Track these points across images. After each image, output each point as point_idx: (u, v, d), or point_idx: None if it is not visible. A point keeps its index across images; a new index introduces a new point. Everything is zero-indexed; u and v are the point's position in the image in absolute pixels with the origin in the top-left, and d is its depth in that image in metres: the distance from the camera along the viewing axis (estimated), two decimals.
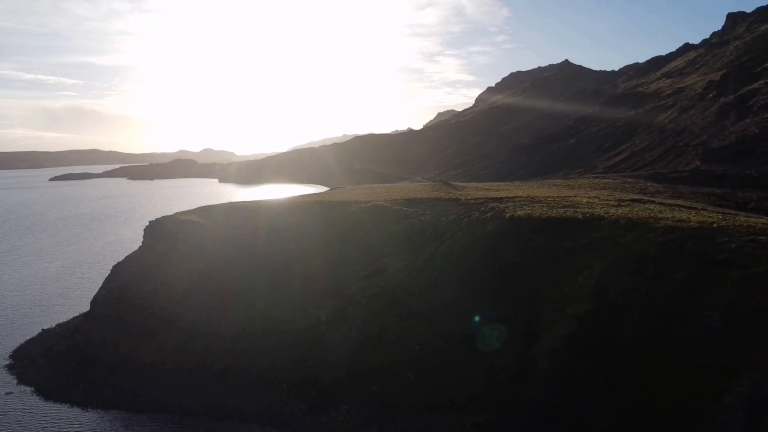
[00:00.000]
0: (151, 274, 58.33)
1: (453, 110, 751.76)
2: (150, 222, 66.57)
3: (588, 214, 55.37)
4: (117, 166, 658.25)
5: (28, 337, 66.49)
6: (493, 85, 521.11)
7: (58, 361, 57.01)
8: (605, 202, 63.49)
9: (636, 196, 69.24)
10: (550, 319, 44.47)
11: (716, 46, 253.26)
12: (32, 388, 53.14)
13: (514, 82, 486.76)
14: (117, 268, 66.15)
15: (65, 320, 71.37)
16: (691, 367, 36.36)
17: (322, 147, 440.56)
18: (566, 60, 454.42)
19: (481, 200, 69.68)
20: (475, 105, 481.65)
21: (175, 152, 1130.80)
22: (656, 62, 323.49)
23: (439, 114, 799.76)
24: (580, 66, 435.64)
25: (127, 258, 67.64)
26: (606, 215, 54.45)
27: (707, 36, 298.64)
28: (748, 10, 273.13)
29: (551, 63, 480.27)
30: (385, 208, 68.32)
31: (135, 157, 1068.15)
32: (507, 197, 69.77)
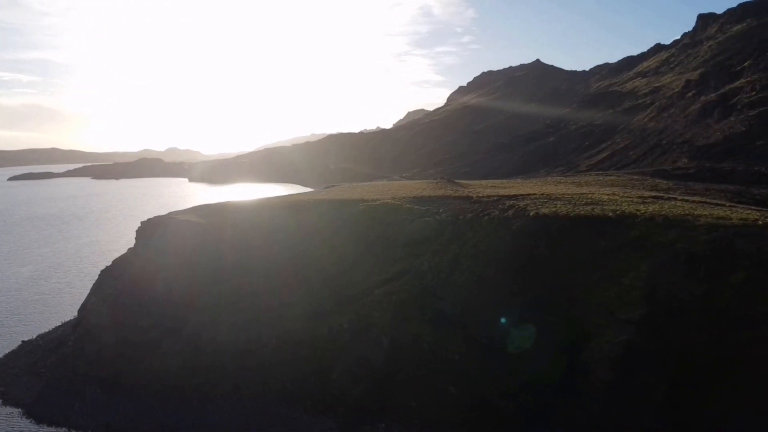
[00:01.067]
0: (148, 279, 53.34)
1: (423, 109, 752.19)
2: (142, 223, 61.23)
3: (618, 212, 52.73)
4: (79, 165, 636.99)
5: (7, 351, 60.15)
6: (464, 84, 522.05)
7: (47, 378, 51.39)
8: (627, 199, 61.07)
9: (653, 193, 67.15)
10: (597, 324, 41.49)
11: (689, 46, 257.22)
12: (20, 410, 47.20)
13: (485, 81, 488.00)
14: (107, 274, 60.75)
15: (47, 330, 65.22)
16: (767, 376, 33.87)
17: (293, 146, 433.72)
18: (537, 60, 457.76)
19: (494, 198, 66.62)
20: (447, 104, 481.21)
21: (139, 151, 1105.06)
22: (628, 62, 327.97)
23: (409, 113, 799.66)
24: (551, 66, 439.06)
25: (116, 262, 62.22)
26: (638, 213, 51.89)
27: (675, 36, 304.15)
28: (717, 11, 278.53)
29: (522, 63, 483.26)
30: (396, 206, 64.67)
31: (97, 156, 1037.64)
32: (520, 194, 66.88)
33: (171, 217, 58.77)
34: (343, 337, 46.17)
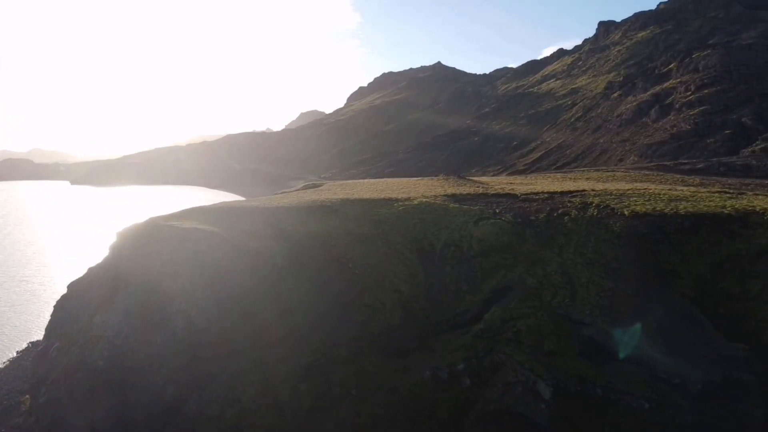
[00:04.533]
0: (155, 313, 37.67)
1: (317, 110, 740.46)
2: (119, 234, 44.72)
3: (730, 208, 45.28)
4: None
5: None
6: (364, 85, 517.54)
7: None
8: (706, 194, 54.20)
9: (711, 189, 61.22)
10: None
11: (595, 51, 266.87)
12: None
13: (387, 82, 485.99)
14: (69, 305, 43.34)
15: None
16: None
17: (189, 146, 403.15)
18: (439, 62, 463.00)
19: (545, 195, 57.36)
20: (349, 104, 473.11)
21: None
22: (532, 66, 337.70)
23: (303, 114, 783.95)
24: (453, 68, 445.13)
25: (79, 289, 44.52)
26: (753, 209, 44.70)
27: (566, 42, 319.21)
28: (611, 18, 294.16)
29: (423, 65, 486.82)
30: (442, 207, 53.35)
31: None
32: (574, 191, 58.23)
33: (170, 224, 42.81)
34: (461, 383, 34.12)
